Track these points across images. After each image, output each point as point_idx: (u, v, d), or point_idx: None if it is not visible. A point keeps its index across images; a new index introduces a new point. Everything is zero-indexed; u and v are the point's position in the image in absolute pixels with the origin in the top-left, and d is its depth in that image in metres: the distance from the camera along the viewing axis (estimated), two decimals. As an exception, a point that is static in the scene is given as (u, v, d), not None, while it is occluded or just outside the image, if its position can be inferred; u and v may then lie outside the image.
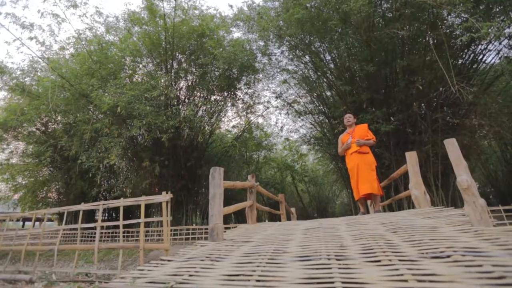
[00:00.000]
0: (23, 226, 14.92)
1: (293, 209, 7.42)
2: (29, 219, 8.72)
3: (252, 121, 11.79)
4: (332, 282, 1.01)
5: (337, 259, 1.29)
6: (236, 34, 9.92)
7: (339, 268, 1.16)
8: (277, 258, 1.43)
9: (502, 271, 0.94)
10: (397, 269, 1.07)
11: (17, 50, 9.55)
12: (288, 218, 6.86)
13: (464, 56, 7.45)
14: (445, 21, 6.63)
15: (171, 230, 7.89)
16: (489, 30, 3.87)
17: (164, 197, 2.84)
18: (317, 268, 1.19)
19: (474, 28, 4.68)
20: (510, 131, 8.89)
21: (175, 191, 9.31)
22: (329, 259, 1.30)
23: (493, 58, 7.77)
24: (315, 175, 18.09)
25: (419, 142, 7.35)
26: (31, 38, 7.82)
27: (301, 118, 11.34)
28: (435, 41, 6.67)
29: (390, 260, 1.19)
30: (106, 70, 8.10)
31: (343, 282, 1.00)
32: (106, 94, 7.45)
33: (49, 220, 10.22)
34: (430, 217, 2.22)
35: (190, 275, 1.26)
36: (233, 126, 11.89)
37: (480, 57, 7.49)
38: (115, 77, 7.86)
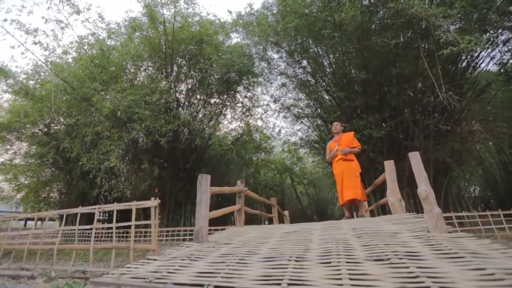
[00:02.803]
0: (25, 225, 15.19)
1: (286, 212, 7.60)
2: (32, 219, 8.97)
3: (251, 123, 11.98)
4: (281, 279, 1.20)
5: (296, 260, 1.49)
6: (235, 39, 10.14)
7: (294, 268, 1.36)
8: (247, 258, 1.63)
9: (420, 272, 1.14)
10: (339, 270, 1.27)
11: (22, 55, 9.81)
12: (282, 221, 7.04)
13: (458, 62, 7.59)
14: (438, 29, 6.80)
15: (168, 231, 8.14)
16: (469, 45, 4.03)
17: (153, 203, 3.07)
18: (275, 268, 1.39)
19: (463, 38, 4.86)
20: (499, 138, 9.06)
21: (174, 192, 9.54)
22: (289, 260, 1.50)
23: (487, 64, 7.96)
24: (314, 177, 18.19)
25: (411, 147, 7.51)
26: (35, 43, 8.06)
27: (300, 121, 11.53)
28: (427, 49, 6.84)
29: (338, 262, 1.39)
30: (108, 74, 8.33)
31: (290, 279, 1.20)
32: (108, 97, 7.67)
33: (51, 219, 10.47)
34: (399, 223, 2.41)
35: (168, 272, 1.47)
36: (231, 129, 12.10)
37: (473, 64, 7.66)
38: (116, 81, 8.08)
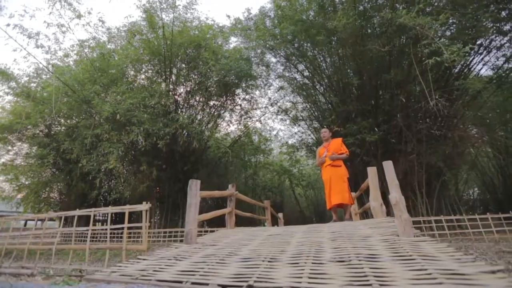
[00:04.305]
0: (25, 225, 15.39)
1: (280, 214, 7.75)
2: (32, 219, 9.14)
3: (250, 125, 12.14)
4: (250, 277, 1.37)
5: (269, 261, 1.65)
6: (233, 44, 10.32)
7: (264, 268, 1.52)
8: (227, 259, 1.80)
9: (370, 272, 1.30)
10: (302, 269, 1.43)
11: (24, 59, 10.02)
12: (276, 223, 7.19)
13: (452, 67, 7.70)
14: (426, 38, 6.94)
15: (166, 232, 8.32)
16: (452, 56, 4.19)
17: (144, 206, 3.26)
18: (249, 267, 1.55)
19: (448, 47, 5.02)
20: (494, 142, 9.21)
21: (172, 194, 9.70)
22: (263, 261, 1.66)
23: (481, 68, 8.11)
24: (313, 179, 18.33)
25: (404, 151, 7.67)
26: (37, 47, 8.26)
27: (297, 124, 11.70)
28: (419, 56, 6.98)
29: (305, 263, 1.55)
30: (108, 77, 8.52)
31: (257, 277, 1.36)
32: (107, 99, 7.86)
33: (51, 219, 10.64)
34: (375, 227, 2.57)
35: (154, 270, 1.63)
36: (230, 132, 12.25)
37: (466, 70, 7.81)
38: (116, 84, 8.26)
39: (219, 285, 1.31)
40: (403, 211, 2.12)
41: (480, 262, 1.30)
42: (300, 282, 1.25)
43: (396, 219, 2.15)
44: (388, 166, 2.33)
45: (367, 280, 1.20)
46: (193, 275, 1.49)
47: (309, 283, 1.25)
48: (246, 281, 1.31)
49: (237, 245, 2.24)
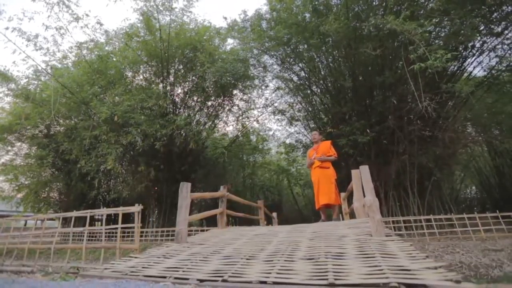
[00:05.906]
0: (25, 224, 15.55)
1: (274, 214, 7.92)
2: (32, 220, 9.28)
3: (248, 125, 12.27)
4: (226, 273, 1.54)
5: (247, 259, 1.82)
6: (230, 45, 10.46)
7: (241, 265, 1.69)
8: (210, 257, 1.97)
9: (332, 268, 1.47)
10: (274, 266, 1.59)
11: (23, 61, 10.09)
12: (270, 222, 7.36)
13: (445, 69, 7.82)
14: (414, 42, 7.05)
15: (163, 231, 8.48)
16: (435, 62, 4.34)
17: (136, 208, 3.44)
18: (227, 264, 1.72)
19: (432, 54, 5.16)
20: (485, 143, 9.38)
21: (170, 194, 9.85)
22: (242, 258, 1.83)
23: (473, 69, 8.24)
24: (310, 178, 18.40)
25: (397, 152, 7.82)
26: (36, 49, 8.38)
27: (294, 124, 11.86)
28: (410, 58, 7.11)
29: (279, 260, 1.72)
30: (106, 79, 8.66)
31: (232, 273, 1.53)
32: (106, 99, 7.99)
33: (51, 219, 10.82)
34: (354, 227, 2.73)
35: (143, 267, 1.80)
36: (228, 132, 12.40)
37: (459, 72, 7.96)
38: (114, 86, 8.40)
39: (198, 279, 1.48)
40: (376, 212, 2.29)
41: (429, 260, 1.47)
42: (268, 277, 1.42)
43: (370, 220, 2.31)
44: (364, 170, 2.49)
45: (326, 275, 1.37)
46: (177, 271, 1.66)
47: (275, 277, 1.41)
48: (222, 276, 1.47)
49: (222, 244, 2.41)
